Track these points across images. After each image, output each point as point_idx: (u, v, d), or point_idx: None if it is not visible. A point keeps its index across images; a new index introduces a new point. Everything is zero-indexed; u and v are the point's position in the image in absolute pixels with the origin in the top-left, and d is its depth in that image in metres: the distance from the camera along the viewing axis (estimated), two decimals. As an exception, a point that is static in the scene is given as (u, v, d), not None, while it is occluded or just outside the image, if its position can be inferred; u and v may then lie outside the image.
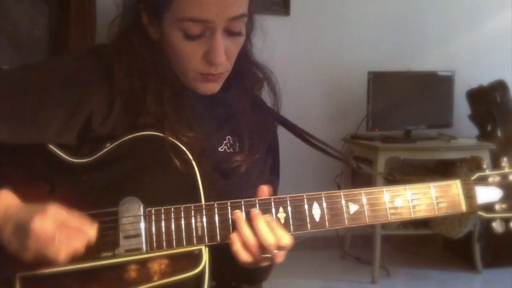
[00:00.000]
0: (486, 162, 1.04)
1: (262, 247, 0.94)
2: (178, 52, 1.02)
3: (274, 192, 1.20)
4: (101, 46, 1.12)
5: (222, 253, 1.00)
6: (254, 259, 0.96)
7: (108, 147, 1.00)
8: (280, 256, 0.98)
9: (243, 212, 0.97)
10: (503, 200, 1.01)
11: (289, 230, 0.97)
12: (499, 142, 3.52)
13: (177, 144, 0.99)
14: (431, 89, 3.73)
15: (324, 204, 0.99)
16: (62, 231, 0.90)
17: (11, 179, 0.97)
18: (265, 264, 0.99)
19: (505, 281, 3.39)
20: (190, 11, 0.97)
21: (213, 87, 1.07)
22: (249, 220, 0.96)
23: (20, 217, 0.91)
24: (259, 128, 1.17)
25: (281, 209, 0.98)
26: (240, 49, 1.07)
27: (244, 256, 0.95)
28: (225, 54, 1.02)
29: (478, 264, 3.51)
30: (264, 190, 1.00)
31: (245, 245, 0.95)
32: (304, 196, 0.99)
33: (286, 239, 0.96)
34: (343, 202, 0.99)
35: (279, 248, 0.95)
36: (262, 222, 0.95)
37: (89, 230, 0.93)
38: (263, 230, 0.94)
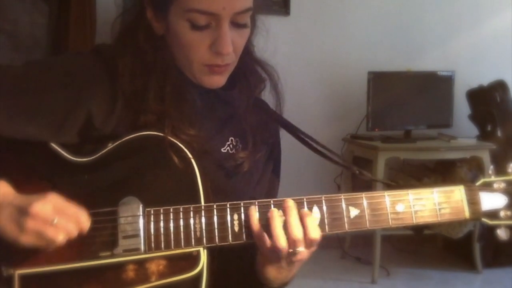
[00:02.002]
0: (491, 169, 1.02)
1: (291, 241, 0.93)
2: (184, 43, 1.02)
3: (275, 193, 1.20)
4: (102, 46, 1.12)
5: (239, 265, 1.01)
6: (280, 259, 0.95)
7: (109, 146, 1.00)
8: (304, 254, 0.96)
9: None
10: (508, 207, 0.99)
11: None
12: (499, 142, 3.51)
13: (176, 144, 0.99)
14: (431, 89, 3.73)
15: (324, 208, 0.97)
16: (61, 214, 0.91)
17: (13, 177, 0.97)
18: (288, 270, 0.99)
19: (505, 281, 3.39)
20: (197, 3, 0.97)
21: (219, 80, 1.07)
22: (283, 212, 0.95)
23: (18, 202, 0.92)
24: (261, 128, 1.16)
25: (280, 212, 0.97)
26: (245, 41, 1.07)
27: (272, 255, 0.95)
28: (231, 45, 1.02)
29: (478, 264, 3.50)
30: None
31: (275, 243, 0.94)
32: (304, 199, 0.97)
33: (316, 233, 0.94)
34: (344, 206, 0.97)
35: (307, 240, 0.94)
36: (294, 214, 0.94)
37: (84, 219, 0.94)
38: (293, 224, 0.93)
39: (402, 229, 3.57)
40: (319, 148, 1.15)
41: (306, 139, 1.15)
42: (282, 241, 0.93)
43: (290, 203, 0.96)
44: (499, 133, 3.64)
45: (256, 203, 0.97)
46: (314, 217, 0.96)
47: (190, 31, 1.00)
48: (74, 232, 0.92)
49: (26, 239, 0.91)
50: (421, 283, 3.42)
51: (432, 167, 3.74)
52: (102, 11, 3.27)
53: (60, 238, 0.91)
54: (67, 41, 3.27)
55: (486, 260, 3.53)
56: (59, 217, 0.91)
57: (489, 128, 3.67)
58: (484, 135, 3.68)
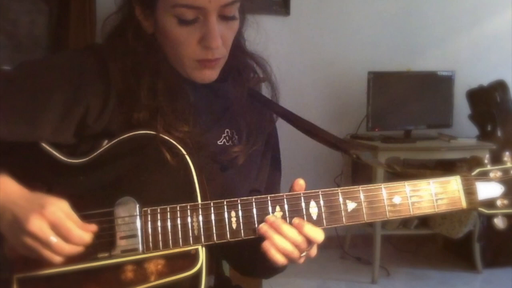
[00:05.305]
0: (487, 157, 1.02)
1: (296, 247, 0.95)
2: (173, 39, 1.02)
3: (277, 185, 1.20)
4: (96, 44, 1.12)
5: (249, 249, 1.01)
6: (289, 259, 0.97)
7: (104, 147, 1.00)
8: (314, 251, 0.99)
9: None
10: (504, 195, 0.99)
11: None
12: (499, 142, 3.51)
13: (170, 141, 0.99)
14: (431, 89, 3.72)
15: (322, 202, 0.97)
16: (59, 233, 0.89)
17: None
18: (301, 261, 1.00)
19: (505, 281, 3.38)
20: None
21: (211, 75, 1.07)
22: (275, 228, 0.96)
23: (18, 212, 0.90)
24: (257, 120, 1.16)
25: (277, 208, 0.97)
26: (235, 34, 1.07)
27: (280, 258, 0.96)
28: (220, 38, 1.02)
29: (478, 264, 3.50)
30: (300, 183, 1.00)
31: (279, 250, 0.95)
32: (301, 194, 0.98)
33: (319, 234, 0.96)
34: (341, 199, 0.98)
35: (311, 244, 0.96)
36: (287, 228, 0.95)
37: (85, 235, 0.92)
38: (292, 234, 0.95)
39: (402, 229, 3.58)
40: (317, 131, 1.15)
41: (303, 124, 1.15)
42: (290, 249, 0.95)
43: (272, 219, 0.96)
44: (499, 133, 3.64)
45: (253, 199, 0.97)
46: (307, 223, 0.96)
47: (178, 27, 1.00)
48: (72, 251, 0.91)
49: (24, 252, 0.91)
50: (421, 283, 3.42)
51: (432, 167, 3.74)
52: (102, 11, 3.27)
53: (57, 260, 0.90)
54: (67, 41, 3.28)
55: (486, 260, 3.52)
56: (57, 238, 0.89)
57: (489, 128, 3.67)
58: (484, 135, 3.68)
